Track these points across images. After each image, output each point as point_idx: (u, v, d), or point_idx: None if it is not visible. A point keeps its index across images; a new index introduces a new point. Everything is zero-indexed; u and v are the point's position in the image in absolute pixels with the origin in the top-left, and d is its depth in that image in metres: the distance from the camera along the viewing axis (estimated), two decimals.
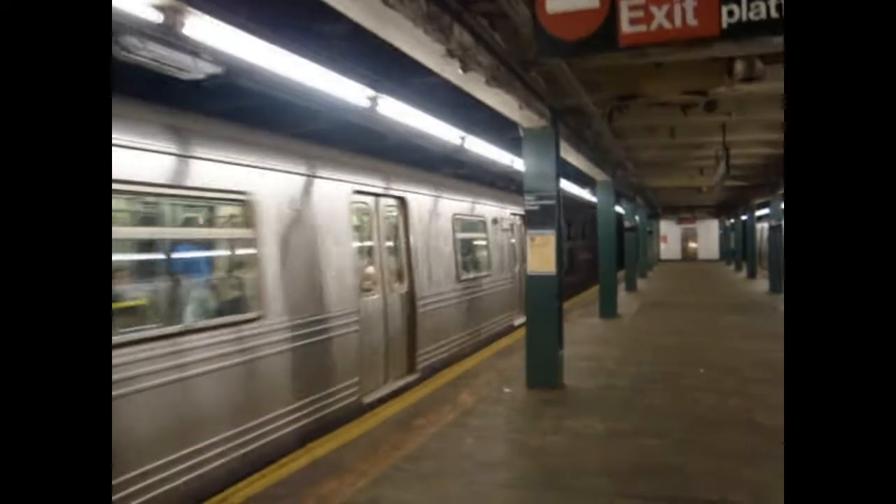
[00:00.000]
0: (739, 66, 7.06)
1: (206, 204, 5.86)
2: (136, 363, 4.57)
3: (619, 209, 19.81)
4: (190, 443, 4.96)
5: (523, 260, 12.75)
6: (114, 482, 4.24)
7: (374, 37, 4.39)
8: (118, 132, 4.47)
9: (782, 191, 19.11)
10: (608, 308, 14.75)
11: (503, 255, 13.40)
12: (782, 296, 19.04)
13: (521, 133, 7.74)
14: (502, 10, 4.91)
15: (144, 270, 5.54)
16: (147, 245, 5.42)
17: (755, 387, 7.83)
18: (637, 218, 24.48)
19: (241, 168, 5.77)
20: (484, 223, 12.53)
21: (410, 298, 8.89)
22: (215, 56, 4.53)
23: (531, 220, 7.72)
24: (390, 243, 8.73)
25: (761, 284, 22.68)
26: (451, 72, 5.11)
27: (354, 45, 5.62)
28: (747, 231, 28.94)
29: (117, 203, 4.80)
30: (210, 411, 5.24)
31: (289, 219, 6.36)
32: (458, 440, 6.01)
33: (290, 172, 6.46)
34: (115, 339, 4.43)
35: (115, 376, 4.27)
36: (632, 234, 21.90)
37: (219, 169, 5.51)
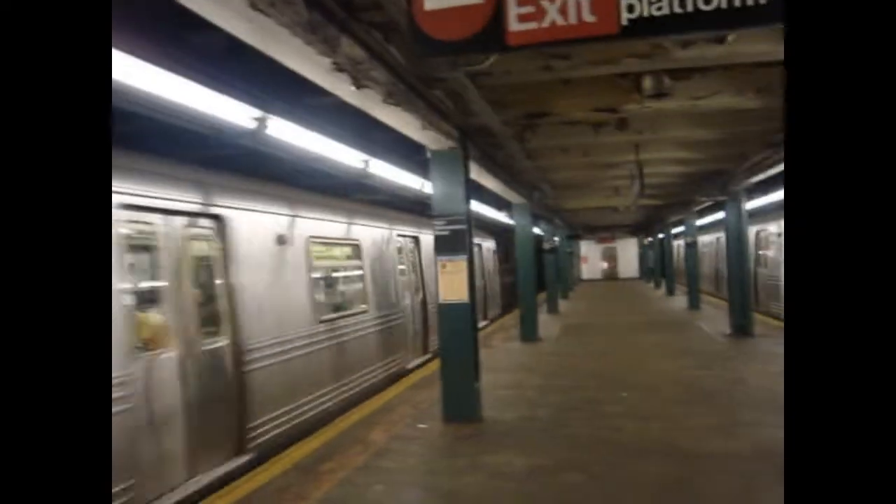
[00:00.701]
0: (648, 82, 6.90)
1: (347, 247, 10.34)
2: (340, 328, 9.21)
3: (537, 231, 19.80)
4: (354, 372, 9.44)
5: (505, 274, 22.72)
6: (351, 379, 9.27)
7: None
8: (330, 215, 9.67)
9: (697, 208, 19.40)
10: (529, 332, 14.52)
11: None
12: (700, 312, 19.30)
13: (429, 155, 7.40)
14: (393, 19, 4.54)
15: (339, 282, 10.19)
16: (335, 269, 10.10)
17: (676, 409, 7.68)
18: (556, 239, 24.50)
19: (356, 226, 10.45)
20: None
21: (423, 303, 13.31)
22: None
23: (441, 245, 7.34)
24: (407, 266, 12.98)
25: (680, 301, 22.96)
26: (343, 89, 4.71)
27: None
28: (665, 249, 29.44)
29: (327, 249, 9.74)
30: (354, 361, 9.51)
31: (374, 253, 10.87)
32: (367, 486, 5.55)
33: (372, 226, 11.01)
34: (337, 314, 9.37)
35: (338, 332, 9.09)
36: (551, 256, 21.86)
37: (349, 228, 10.25)
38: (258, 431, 6.82)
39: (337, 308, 9.61)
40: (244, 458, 6.50)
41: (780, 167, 10.63)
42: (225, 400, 6.44)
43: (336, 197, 10.30)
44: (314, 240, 8.76)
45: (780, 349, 11.69)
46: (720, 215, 17.77)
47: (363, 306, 10.22)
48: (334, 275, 10.02)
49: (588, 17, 3.36)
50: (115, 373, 4.89)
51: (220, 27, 3.64)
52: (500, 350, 13.24)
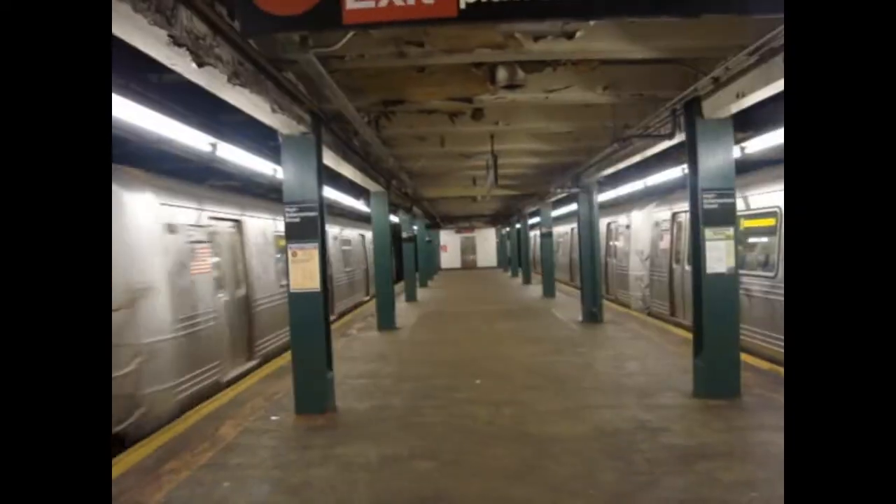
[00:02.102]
0: (501, 73, 6.98)
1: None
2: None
3: (395, 219, 19.83)
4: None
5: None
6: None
7: None
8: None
9: (552, 199, 19.95)
10: (386, 320, 14.51)
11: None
12: (555, 300, 19.92)
13: (280, 140, 7.17)
14: None
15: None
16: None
17: (527, 394, 7.85)
18: (415, 228, 24.59)
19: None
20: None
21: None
22: None
23: (291, 233, 7.13)
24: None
25: (536, 290, 23.62)
26: (183, 65, 4.41)
27: None
28: (521, 238, 30.16)
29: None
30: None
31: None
32: (213, 484, 5.32)
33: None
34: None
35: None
36: (410, 245, 21.93)
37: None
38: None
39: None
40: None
41: (628, 162, 11.07)
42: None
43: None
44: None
45: (626, 334, 12.27)
46: (574, 207, 18.35)
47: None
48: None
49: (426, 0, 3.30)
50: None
51: None
52: (356, 339, 13.14)
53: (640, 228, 16.61)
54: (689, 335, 8.04)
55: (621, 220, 18.55)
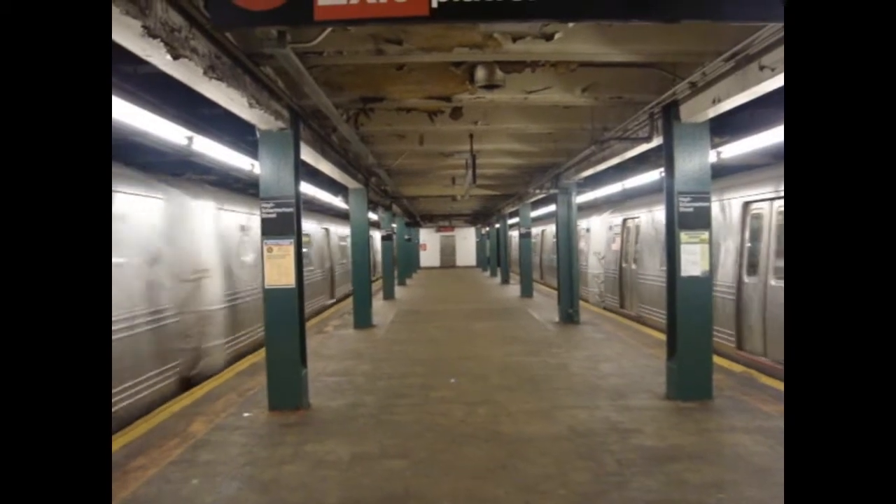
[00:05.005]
0: (480, 73, 6.99)
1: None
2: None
3: (373, 216, 19.82)
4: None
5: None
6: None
7: None
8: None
9: (531, 200, 20.00)
10: (362, 318, 14.47)
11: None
12: (532, 300, 19.97)
13: (258, 135, 7.12)
14: None
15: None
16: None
17: (501, 394, 7.86)
18: (394, 226, 24.56)
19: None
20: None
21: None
22: None
23: (267, 228, 7.09)
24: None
25: (513, 290, 23.66)
26: (158, 57, 4.36)
27: None
28: (500, 238, 30.18)
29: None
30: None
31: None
32: (182, 481, 5.27)
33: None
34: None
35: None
36: (388, 243, 21.89)
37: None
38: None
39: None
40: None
41: (607, 164, 11.11)
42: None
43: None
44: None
45: (601, 336, 12.31)
46: (547, 209, 18.60)
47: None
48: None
49: None
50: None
51: None
52: (332, 337, 13.09)
53: (598, 232, 18.42)
54: (664, 337, 8.09)
55: (582, 223, 18.89)
